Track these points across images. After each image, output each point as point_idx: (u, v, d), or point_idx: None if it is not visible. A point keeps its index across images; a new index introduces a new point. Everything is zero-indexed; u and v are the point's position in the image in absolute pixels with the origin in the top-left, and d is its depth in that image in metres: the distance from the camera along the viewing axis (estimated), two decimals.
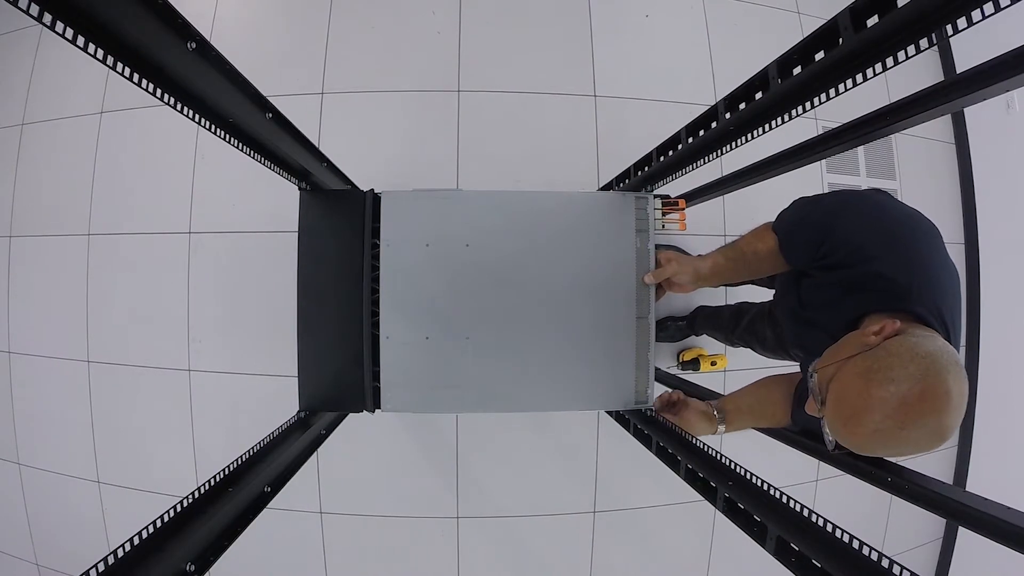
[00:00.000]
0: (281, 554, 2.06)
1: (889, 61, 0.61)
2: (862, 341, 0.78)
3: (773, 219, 1.12)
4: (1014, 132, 2.20)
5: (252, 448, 0.99)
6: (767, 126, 0.83)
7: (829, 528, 0.74)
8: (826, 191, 1.09)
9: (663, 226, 1.39)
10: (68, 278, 2.16)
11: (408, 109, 2.09)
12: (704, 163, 1.06)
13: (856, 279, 0.89)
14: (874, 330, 0.78)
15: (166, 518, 0.69)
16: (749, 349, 1.72)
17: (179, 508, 0.72)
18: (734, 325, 1.73)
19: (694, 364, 2.08)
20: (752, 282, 1.67)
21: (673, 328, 2.07)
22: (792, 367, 1.26)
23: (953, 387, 0.69)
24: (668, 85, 2.18)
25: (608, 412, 1.50)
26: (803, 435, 1.13)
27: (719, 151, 0.98)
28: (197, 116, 0.76)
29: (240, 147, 0.91)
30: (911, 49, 0.58)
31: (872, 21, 0.59)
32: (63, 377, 2.16)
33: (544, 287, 1.33)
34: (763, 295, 1.64)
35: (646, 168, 1.26)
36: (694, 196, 1.63)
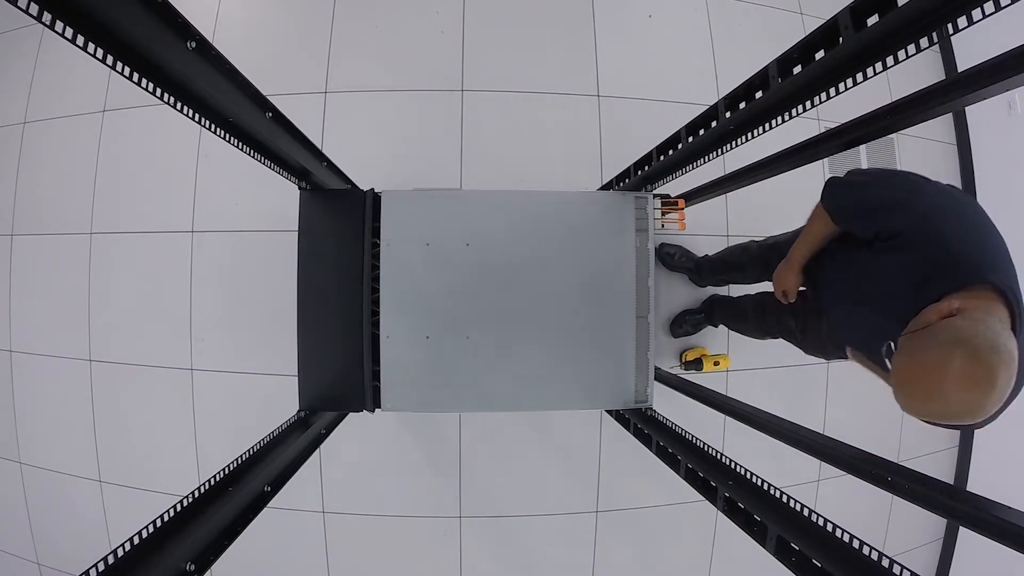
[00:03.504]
0: (284, 553, 2.06)
1: (889, 60, 0.61)
2: (926, 318, 0.83)
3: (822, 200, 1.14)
4: (1016, 133, 2.20)
5: (252, 448, 0.99)
6: (767, 125, 0.83)
7: (829, 528, 0.74)
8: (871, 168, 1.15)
9: (663, 225, 1.40)
10: (70, 277, 2.16)
11: (412, 108, 2.08)
12: (704, 162, 1.06)
13: (925, 262, 0.92)
14: (940, 309, 0.83)
15: (166, 518, 0.69)
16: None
17: (179, 508, 0.72)
18: (761, 321, 1.66)
19: (697, 364, 2.07)
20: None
21: (691, 321, 2.05)
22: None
23: (978, 368, 0.73)
24: (671, 85, 2.17)
25: (608, 411, 1.50)
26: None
27: (719, 150, 0.97)
28: (197, 115, 0.76)
29: (240, 146, 0.91)
30: (911, 48, 0.58)
31: (872, 20, 0.59)
32: (65, 376, 2.16)
33: (544, 286, 1.33)
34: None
35: (646, 167, 1.26)
36: (694, 195, 1.63)
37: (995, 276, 0.86)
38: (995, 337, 0.76)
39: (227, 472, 0.87)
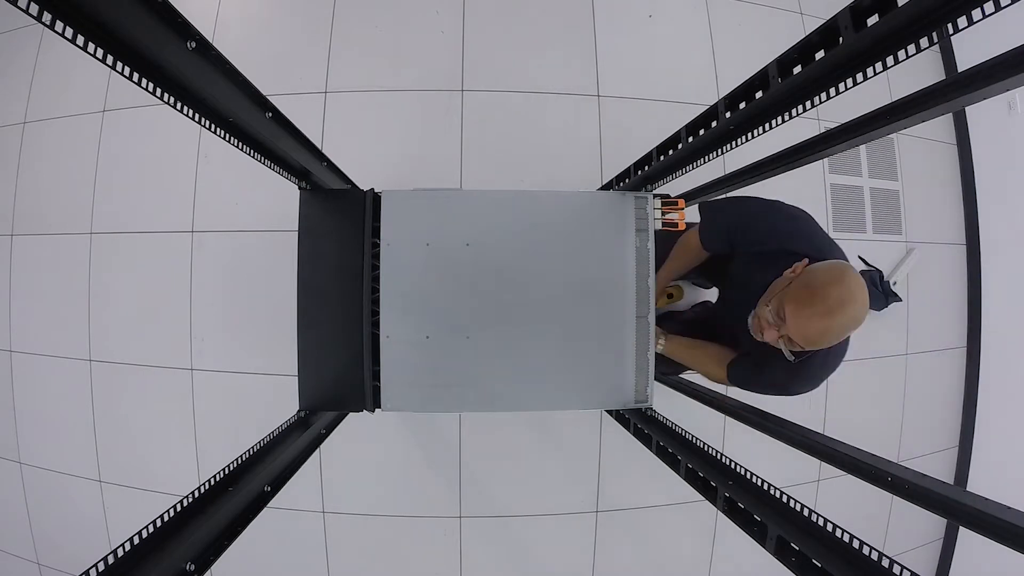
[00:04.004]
0: (283, 553, 2.06)
1: (889, 60, 0.61)
2: (788, 277, 1.18)
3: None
4: (1015, 133, 2.20)
5: (252, 447, 0.99)
6: (767, 125, 0.83)
7: (829, 528, 0.74)
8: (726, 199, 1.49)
9: (662, 225, 1.39)
10: (70, 277, 2.16)
11: (412, 108, 2.09)
12: (704, 163, 1.06)
13: (771, 254, 1.28)
14: (794, 269, 1.19)
15: (166, 518, 0.69)
16: None
17: (179, 508, 0.72)
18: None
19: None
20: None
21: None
22: None
23: (850, 273, 1.10)
24: (671, 85, 2.17)
25: (608, 411, 1.50)
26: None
27: (719, 150, 0.97)
28: (197, 115, 0.76)
29: (240, 146, 0.91)
30: (911, 48, 0.58)
31: (872, 20, 0.59)
32: (65, 376, 2.16)
33: (544, 286, 1.33)
34: None
35: (646, 167, 1.26)
36: (694, 195, 1.63)
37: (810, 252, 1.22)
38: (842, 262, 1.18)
39: (227, 472, 0.87)
